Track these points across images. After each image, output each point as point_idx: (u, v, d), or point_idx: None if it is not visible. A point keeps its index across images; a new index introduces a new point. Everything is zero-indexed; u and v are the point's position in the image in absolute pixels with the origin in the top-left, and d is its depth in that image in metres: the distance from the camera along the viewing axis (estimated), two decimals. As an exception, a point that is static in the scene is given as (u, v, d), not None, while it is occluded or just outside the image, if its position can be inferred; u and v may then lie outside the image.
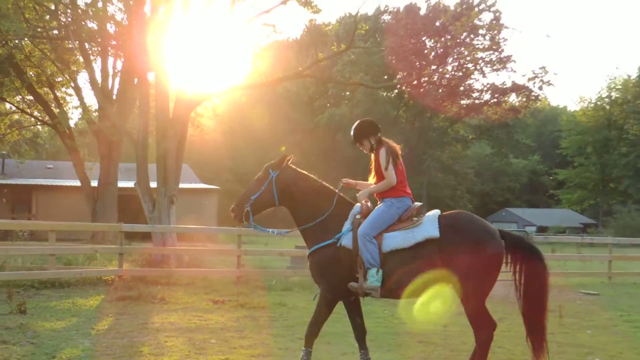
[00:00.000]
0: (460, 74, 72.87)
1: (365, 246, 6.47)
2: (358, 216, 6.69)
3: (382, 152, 6.73)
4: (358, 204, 6.85)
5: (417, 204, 6.81)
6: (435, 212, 6.69)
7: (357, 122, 7.09)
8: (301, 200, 7.02)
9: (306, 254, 7.17)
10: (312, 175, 7.23)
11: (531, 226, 62.88)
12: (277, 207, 7.18)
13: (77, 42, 25.44)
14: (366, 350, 7.04)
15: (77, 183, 31.85)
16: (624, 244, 31.05)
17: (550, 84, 71.44)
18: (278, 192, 6.97)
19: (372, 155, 6.90)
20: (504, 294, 6.82)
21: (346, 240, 6.61)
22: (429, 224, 6.47)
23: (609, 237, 37.16)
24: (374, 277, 6.41)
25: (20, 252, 16.51)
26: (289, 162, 7.13)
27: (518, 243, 6.66)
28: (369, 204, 6.79)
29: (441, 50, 73.32)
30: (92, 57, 26.97)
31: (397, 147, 6.90)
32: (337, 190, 7.07)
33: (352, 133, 7.01)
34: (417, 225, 6.50)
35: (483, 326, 6.42)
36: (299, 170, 7.20)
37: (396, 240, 6.46)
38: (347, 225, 6.69)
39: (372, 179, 6.89)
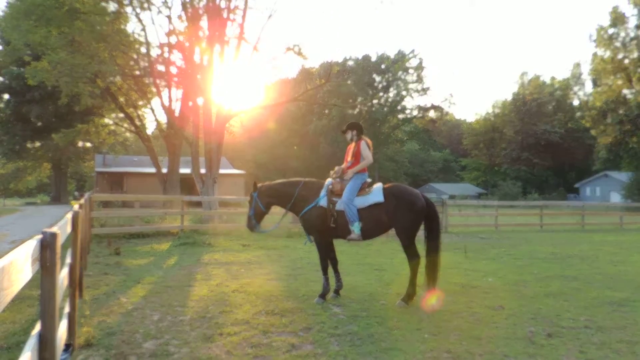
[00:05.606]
0: (398, 98, 72.83)
1: (349, 208, 6.40)
2: (330, 186, 6.62)
3: (364, 144, 6.66)
4: (329, 179, 6.76)
5: (369, 179, 6.75)
6: (379, 184, 6.67)
7: (352, 121, 6.96)
8: (277, 197, 7.00)
9: None
10: (275, 181, 7.27)
11: (445, 195, 62.84)
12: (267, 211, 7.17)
13: (151, 78, 25.11)
14: (339, 274, 7.00)
15: (153, 170, 31.48)
16: (504, 205, 31.19)
17: (454, 104, 71.94)
18: (262, 203, 6.99)
19: (353, 144, 6.77)
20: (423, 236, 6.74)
21: (322, 202, 6.59)
22: (377, 193, 6.47)
23: (495, 200, 37.47)
24: (356, 228, 6.36)
25: (116, 215, 16.27)
26: (259, 185, 7.10)
27: (430, 204, 6.66)
28: (337, 179, 6.68)
29: (385, 83, 73.17)
30: (161, 88, 26.51)
31: (370, 142, 6.83)
32: (302, 179, 7.06)
33: (346, 125, 6.93)
34: (369, 194, 6.50)
35: (413, 255, 6.50)
36: (266, 184, 7.18)
37: (358, 202, 6.45)
38: (323, 192, 6.64)
39: (350, 159, 6.71)
